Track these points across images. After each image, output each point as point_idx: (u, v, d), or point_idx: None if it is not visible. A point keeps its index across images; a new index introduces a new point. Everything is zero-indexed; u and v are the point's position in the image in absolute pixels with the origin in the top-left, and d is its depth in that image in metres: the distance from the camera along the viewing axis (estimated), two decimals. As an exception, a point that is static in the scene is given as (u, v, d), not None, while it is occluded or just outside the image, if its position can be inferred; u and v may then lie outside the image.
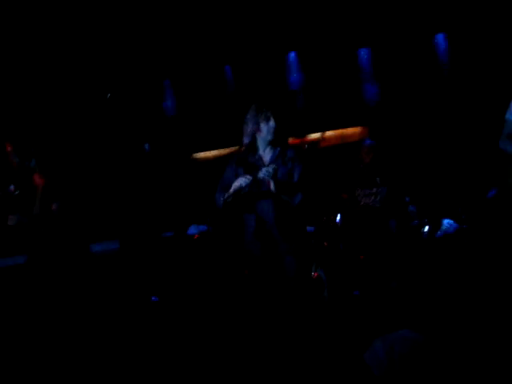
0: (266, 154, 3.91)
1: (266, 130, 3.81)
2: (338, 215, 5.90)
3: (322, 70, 7.69)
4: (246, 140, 3.89)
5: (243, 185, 3.73)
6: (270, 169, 3.70)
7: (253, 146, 3.89)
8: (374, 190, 6.09)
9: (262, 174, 3.70)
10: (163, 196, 6.88)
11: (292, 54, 7.80)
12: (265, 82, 7.48)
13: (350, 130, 7.79)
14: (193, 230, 7.10)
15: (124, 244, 5.74)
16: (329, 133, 7.85)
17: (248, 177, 3.74)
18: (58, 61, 7.27)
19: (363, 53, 7.61)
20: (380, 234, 5.83)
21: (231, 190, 3.76)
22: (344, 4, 7.24)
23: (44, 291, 4.80)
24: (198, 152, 8.10)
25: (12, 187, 4.78)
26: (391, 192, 6.01)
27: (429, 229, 6.07)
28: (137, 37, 7.34)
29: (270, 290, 3.96)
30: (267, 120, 3.80)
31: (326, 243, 5.74)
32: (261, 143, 3.89)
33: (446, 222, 6.36)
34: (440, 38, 7.31)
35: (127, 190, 6.07)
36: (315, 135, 7.83)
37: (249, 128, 3.86)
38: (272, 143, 3.86)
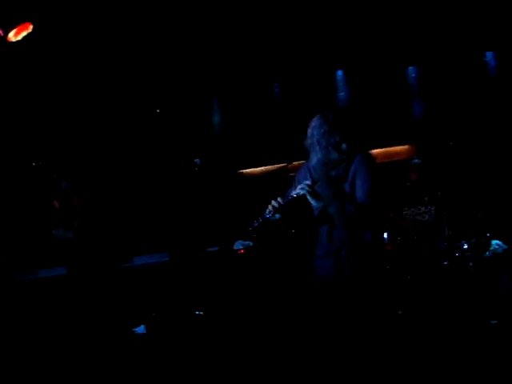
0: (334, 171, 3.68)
1: (337, 151, 3.59)
2: (385, 234, 5.85)
3: (370, 87, 7.69)
4: (316, 163, 3.65)
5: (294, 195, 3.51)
6: (304, 184, 3.48)
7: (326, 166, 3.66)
8: (423, 209, 6.04)
9: (297, 190, 3.50)
10: (210, 211, 6.94)
11: (340, 72, 7.82)
12: (313, 100, 7.50)
13: (397, 148, 7.75)
14: (238, 245, 7.13)
15: (174, 257, 5.81)
16: (376, 150, 7.81)
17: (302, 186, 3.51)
18: (107, 77, 7.43)
19: (411, 71, 7.58)
20: (429, 252, 5.76)
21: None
22: (393, 22, 7.24)
23: (82, 301, 4.89)
24: (245, 168, 8.16)
25: (56, 204, 4.90)
26: (440, 211, 5.95)
27: (477, 249, 5.97)
28: (187, 54, 7.45)
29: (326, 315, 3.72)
30: (338, 144, 3.58)
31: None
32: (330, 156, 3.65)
33: (494, 242, 6.25)
34: (489, 55, 7.25)
35: (178, 204, 6.16)
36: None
37: (318, 154, 3.61)
38: (340, 160, 3.63)
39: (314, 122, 3.67)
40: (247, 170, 8.11)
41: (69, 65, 7.02)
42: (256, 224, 3.57)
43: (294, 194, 3.52)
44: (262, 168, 7.92)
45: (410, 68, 7.59)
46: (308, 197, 3.51)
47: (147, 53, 7.32)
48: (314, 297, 3.80)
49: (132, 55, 7.29)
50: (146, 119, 7.63)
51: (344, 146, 3.59)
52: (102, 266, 4.99)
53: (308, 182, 3.53)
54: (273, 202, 3.55)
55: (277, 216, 3.59)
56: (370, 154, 3.68)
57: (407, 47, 7.50)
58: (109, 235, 4.98)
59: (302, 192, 3.51)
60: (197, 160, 4.16)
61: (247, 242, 7.09)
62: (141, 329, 5.72)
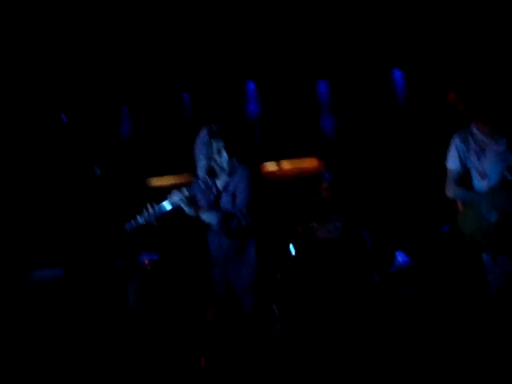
0: (220, 182, 3.80)
1: (218, 161, 3.72)
2: (291, 246, 5.82)
3: (281, 100, 7.69)
4: (200, 173, 3.76)
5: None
6: (181, 193, 3.59)
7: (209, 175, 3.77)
8: (331, 224, 6.06)
9: (172, 196, 3.61)
10: (115, 223, 6.71)
11: (251, 84, 7.78)
12: (222, 111, 7.43)
13: (306, 163, 7.77)
14: (144, 257, 6.92)
15: (69, 271, 5.55)
16: (286, 165, 7.82)
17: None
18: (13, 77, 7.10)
19: (322, 85, 7.64)
20: (336, 266, 5.77)
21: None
22: (305, 36, 7.28)
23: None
24: (152, 177, 7.97)
25: None
26: (347, 225, 5.98)
27: (382, 262, 6.05)
28: (97, 58, 7.24)
29: (225, 324, 3.83)
30: (219, 152, 3.70)
31: (278, 275, 5.65)
32: (216, 172, 3.77)
33: (398, 253, 6.35)
34: (397, 73, 7.40)
35: (76, 214, 5.90)
36: (272, 166, 7.79)
37: (201, 161, 3.72)
38: (227, 173, 3.74)
39: (199, 133, 3.75)
40: (156, 182, 7.93)
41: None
42: (129, 229, 3.66)
43: (166, 200, 3.61)
44: (171, 180, 7.75)
45: (321, 82, 7.62)
46: (181, 204, 3.59)
47: (56, 53, 7.06)
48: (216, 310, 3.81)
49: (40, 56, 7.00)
50: (49, 124, 7.35)
51: (225, 154, 3.68)
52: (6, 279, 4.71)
53: (183, 190, 3.62)
54: (148, 207, 3.63)
55: (154, 222, 3.65)
56: (255, 166, 3.77)
57: (318, 61, 7.56)
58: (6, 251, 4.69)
59: (175, 200, 3.59)
60: (96, 168, 3.96)
61: (153, 254, 6.91)
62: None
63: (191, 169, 4.05)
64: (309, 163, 7.77)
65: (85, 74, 7.43)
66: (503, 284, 3.62)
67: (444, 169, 4.02)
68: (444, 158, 3.90)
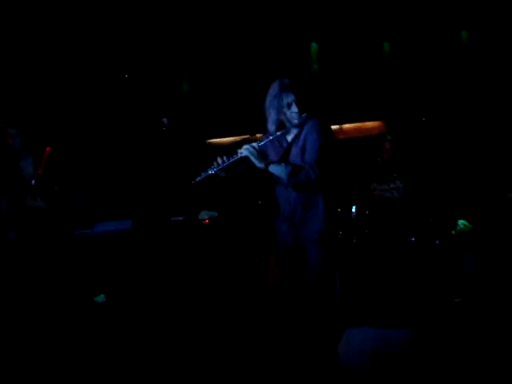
0: (290, 136, 3.78)
1: (289, 114, 3.67)
2: (354, 207, 5.80)
3: (341, 61, 7.62)
4: (270, 127, 3.73)
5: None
6: (251, 146, 3.58)
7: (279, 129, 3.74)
8: (391, 185, 6.01)
9: (241, 149, 3.60)
10: (176, 179, 6.81)
11: (314, 45, 7.72)
12: (287, 72, 7.39)
13: (368, 124, 7.70)
14: (204, 215, 7.03)
15: (137, 224, 5.66)
16: (347, 125, 7.76)
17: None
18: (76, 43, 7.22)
19: (386, 46, 7.54)
20: (398, 228, 5.74)
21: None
22: None
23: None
24: (212, 138, 8.03)
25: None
26: (409, 188, 5.92)
27: (444, 227, 5.98)
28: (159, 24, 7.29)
29: (286, 283, 3.87)
30: (289, 106, 3.65)
31: (339, 235, 5.65)
32: (286, 126, 3.73)
33: (460, 222, 6.27)
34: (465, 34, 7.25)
35: (144, 168, 5.99)
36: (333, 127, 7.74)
37: (271, 115, 3.69)
38: (297, 126, 3.71)
39: (271, 86, 3.71)
40: (215, 140, 7.98)
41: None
42: (199, 178, 3.66)
43: (237, 153, 3.60)
44: (230, 138, 7.78)
45: (385, 43, 7.51)
46: (251, 157, 3.57)
47: (118, 20, 7.14)
48: (279, 262, 3.86)
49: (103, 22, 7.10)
50: (112, 82, 7.47)
51: (295, 108, 3.63)
52: (54, 232, 4.81)
53: (254, 144, 3.60)
54: (218, 159, 3.63)
55: (223, 174, 3.67)
56: (324, 119, 3.70)
57: (382, 23, 7.44)
58: (67, 203, 4.79)
59: (245, 152, 3.58)
60: (164, 119, 4.00)
61: (212, 213, 7.01)
62: (101, 298, 5.60)
63: (252, 130, 4.08)
64: (371, 125, 7.70)
65: (150, 33, 7.48)
66: None
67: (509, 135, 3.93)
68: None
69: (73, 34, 7.07)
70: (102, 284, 5.72)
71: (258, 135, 3.90)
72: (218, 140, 7.96)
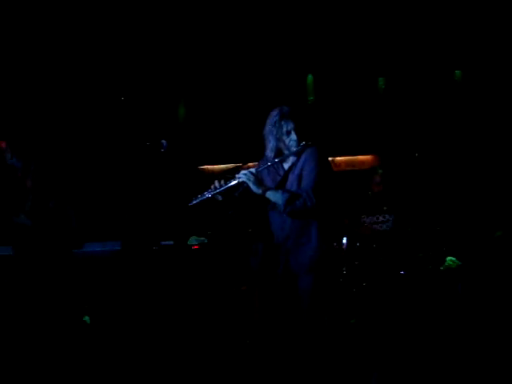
0: (287, 165, 3.82)
1: (287, 142, 3.72)
2: (344, 238, 5.82)
3: (337, 93, 7.70)
4: (268, 154, 3.77)
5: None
6: (249, 172, 3.61)
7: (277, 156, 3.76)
8: (381, 218, 6.04)
9: (239, 174, 3.62)
10: (168, 203, 6.81)
11: (310, 77, 7.81)
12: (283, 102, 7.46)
13: (361, 158, 7.77)
14: (193, 240, 7.01)
15: (126, 246, 5.63)
16: (339, 158, 7.82)
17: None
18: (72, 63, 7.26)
19: (380, 81, 7.65)
20: (387, 260, 5.76)
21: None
22: (367, 33, 7.29)
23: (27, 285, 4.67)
24: (205, 164, 8.06)
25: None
26: (398, 221, 5.96)
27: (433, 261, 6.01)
28: (158, 45, 7.35)
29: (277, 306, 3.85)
30: (288, 133, 3.70)
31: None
32: (284, 153, 3.77)
33: (448, 259, 6.30)
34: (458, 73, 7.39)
35: (136, 189, 5.99)
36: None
37: (270, 142, 3.74)
38: (294, 153, 3.74)
39: (270, 114, 3.75)
40: (207, 167, 8.01)
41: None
42: (195, 201, 3.68)
43: (235, 178, 3.62)
44: (222, 166, 7.82)
45: (380, 78, 7.62)
46: (249, 182, 3.59)
47: (115, 41, 7.20)
48: (271, 288, 3.84)
49: (100, 42, 7.15)
50: (108, 104, 7.50)
51: (294, 136, 3.67)
52: (52, 250, 4.77)
53: (252, 170, 3.64)
54: (215, 182, 3.65)
55: (219, 197, 3.69)
56: (321, 148, 3.74)
57: (377, 58, 7.55)
58: (62, 220, 4.75)
59: (242, 177, 3.60)
60: (163, 141, 4.01)
61: (202, 238, 6.99)
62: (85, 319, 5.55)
63: (245, 159, 4.11)
64: (363, 158, 7.76)
65: (146, 57, 7.54)
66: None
67: (500, 173, 4.01)
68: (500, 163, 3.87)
69: (68, 51, 7.12)
70: (88, 304, 5.68)
71: (250, 164, 3.93)
72: (210, 167, 7.99)
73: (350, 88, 7.68)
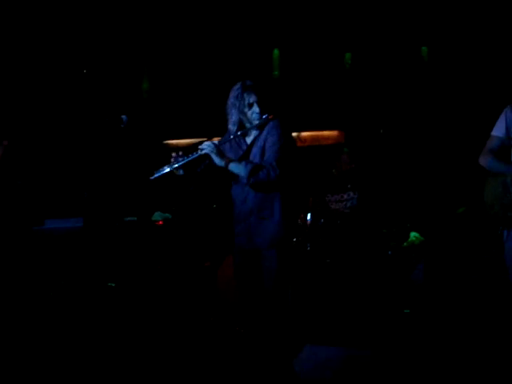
0: (249, 138, 3.77)
1: (249, 115, 3.67)
2: (309, 214, 5.81)
3: (302, 68, 7.66)
4: (231, 127, 3.73)
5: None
6: (212, 143, 3.56)
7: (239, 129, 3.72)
8: (345, 196, 6.04)
9: (202, 146, 3.56)
10: (131, 178, 6.72)
11: (276, 51, 7.74)
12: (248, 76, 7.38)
13: (326, 133, 7.75)
14: (157, 216, 6.95)
15: (88, 222, 5.54)
16: (304, 133, 7.80)
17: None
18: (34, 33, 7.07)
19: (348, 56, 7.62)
20: (348, 239, 5.77)
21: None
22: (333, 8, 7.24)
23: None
24: (169, 139, 7.96)
25: None
26: (363, 199, 5.97)
27: (397, 238, 6.05)
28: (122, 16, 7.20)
29: (243, 280, 3.81)
30: (250, 106, 3.65)
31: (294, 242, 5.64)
32: (246, 127, 3.72)
33: (412, 234, 6.35)
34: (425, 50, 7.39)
35: (97, 165, 5.89)
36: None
37: (233, 115, 3.69)
38: (257, 127, 3.69)
39: (233, 87, 3.71)
40: (172, 141, 7.91)
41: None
42: (156, 175, 3.60)
43: (197, 151, 3.56)
44: (188, 140, 7.73)
45: (347, 54, 7.59)
46: (211, 154, 3.55)
47: (78, 14, 7.02)
48: (236, 266, 3.82)
49: (63, 14, 6.97)
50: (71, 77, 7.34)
51: (256, 109, 3.63)
52: (13, 227, 4.69)
53: (215, 141, 3.60)
54: (173, 154, 3.60)
55: (180, 172, 3.64)
56: (284, 121, 3.70)
57: (344, 33, 7.51)
58: (27, 197, 4.67)
59: (205, 149, 3.54)
60: (123, 116, 3.92)
61: (166, 214, 6.93)
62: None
63: (210, 133, 4.05)
64: (328, 134, 7.76)
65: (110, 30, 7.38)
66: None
67: (463, 150, 4.03)
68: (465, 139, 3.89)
69: (28, 28, 6.93)
70: (52, 282, 5.60)
71: (216, 138, 3.87)
72: (175, 141, 7.90)
73: (317, 63, 7.62)
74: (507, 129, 3.75)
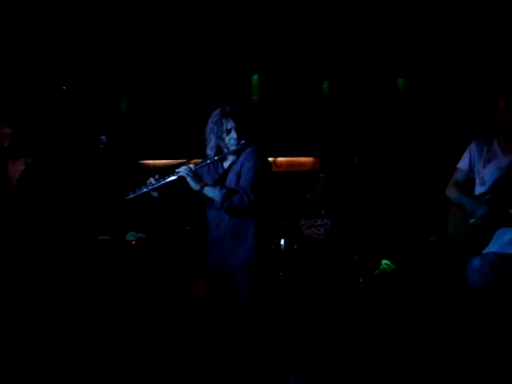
0: (226, 163, 3.84)
1: (227, 140, 3.75)
2: (282, 240, 5.86)
3: (281, 95, 7.75)
4: (209, 152, 3.78)
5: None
6: (188, 167, 3.62)
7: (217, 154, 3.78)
8: (319, 221, 6.10)
9: (179, 169, 3.62)
10: (106, 197, 6.71)
11: (255, 76, 7.84)
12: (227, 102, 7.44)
13: (302, 159, 7.83)
14: (130, 236, 6.94)
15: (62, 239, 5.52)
16: (281, 159, 7.87)
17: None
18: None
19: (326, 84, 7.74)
20: (321, 265, 5.82)
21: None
22: (312, 36, 7.35)
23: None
24: (147, 159, 7.98)
25: None
26: (336, 225, 6.03)
27: (368, 266, 6.11)
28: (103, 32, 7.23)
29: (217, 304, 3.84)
30: (228, 132, 3.72)
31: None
32: (224, 152, 3.79)
33: (383, 262, 6.41)
34: (401, 82, 7.54)
35: (73, 183, 5.88)
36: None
37: (211, 140, 3.76)
38: (234, 152, 3.76)
39: (212, 113, 3.79)
40: (149, 162, 7.93)
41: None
42: (132, 195, 3.67)
43: (174, 174, 3.62)
44: (165, 161, 7.76)
45: (324, 82, 7.71)
46: (187, 178, 3.60)
47: (59, 32, 7.03)
48: (209, 289, 3.84)
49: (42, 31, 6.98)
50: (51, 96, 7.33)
51: (234, 135, 3.70)
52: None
53: (191, 166, 3.65)
54: (150, 179, 3.67)
55: (155, 194, 3.69)
56: (261, 148, 3.76)
57: (322, 61, 7.63)
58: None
59: (182, 172, 3.60)
60: (103, 137, 3.94)
61: (140, 234, 6.92)
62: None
63: (190, 155, 4.09)
64: (305, 160, 7.84)
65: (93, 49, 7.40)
66: (480, 288, 3.73)
67: (436, 181, 4.15)
68: (437, 171, 4.01)
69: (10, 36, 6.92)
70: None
71: (195, 160, 3.91)
72: (152, 162, 7.91)
73: (295, 90, 7.73)
74: (470, 163, 3.93)
